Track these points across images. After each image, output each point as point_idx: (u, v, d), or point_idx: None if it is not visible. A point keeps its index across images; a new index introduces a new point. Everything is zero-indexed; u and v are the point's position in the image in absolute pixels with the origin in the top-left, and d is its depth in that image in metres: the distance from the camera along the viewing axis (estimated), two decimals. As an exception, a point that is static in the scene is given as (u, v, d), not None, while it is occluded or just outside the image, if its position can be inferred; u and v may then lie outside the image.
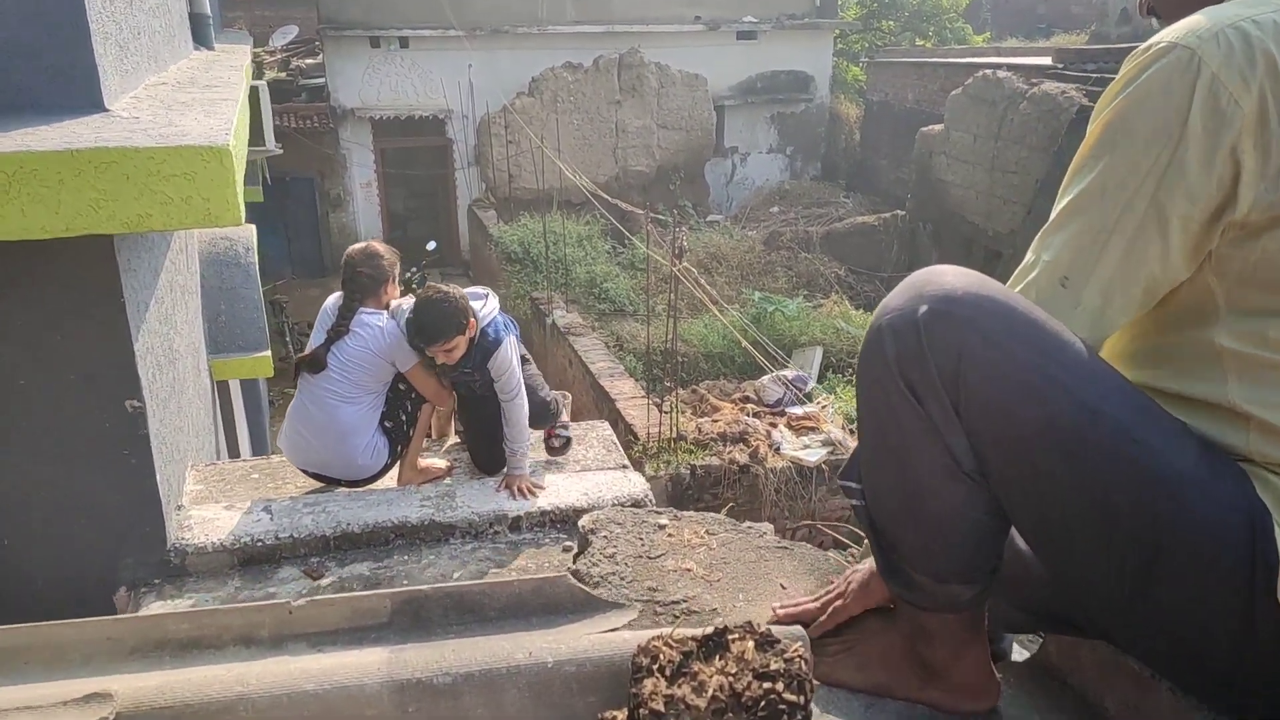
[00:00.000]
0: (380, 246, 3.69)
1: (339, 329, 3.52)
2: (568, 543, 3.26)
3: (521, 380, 3.52)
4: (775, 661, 1.04)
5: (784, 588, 2.88)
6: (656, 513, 3.25)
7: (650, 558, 2.96)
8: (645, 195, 14.83)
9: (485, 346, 3.46)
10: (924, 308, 1.03)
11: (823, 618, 1.31)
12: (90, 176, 2.15)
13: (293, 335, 11.97)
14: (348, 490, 3.49)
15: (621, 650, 1.14)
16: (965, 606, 1.11)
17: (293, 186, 15.56)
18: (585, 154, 15.15)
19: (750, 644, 1.04)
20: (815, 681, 1.04)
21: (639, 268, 11.05)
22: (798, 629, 1.17)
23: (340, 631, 1.17)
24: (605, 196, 10.35)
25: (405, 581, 3.04)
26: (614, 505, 3.34)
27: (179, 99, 3.26)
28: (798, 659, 1.04)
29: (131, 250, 2.86)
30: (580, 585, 1.25)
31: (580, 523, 3.11)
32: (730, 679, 1.01)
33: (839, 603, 1.32)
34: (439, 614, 1.20)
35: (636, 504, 3.40)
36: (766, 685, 1.01)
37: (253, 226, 5.84)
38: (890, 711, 1.19)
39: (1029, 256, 1.10)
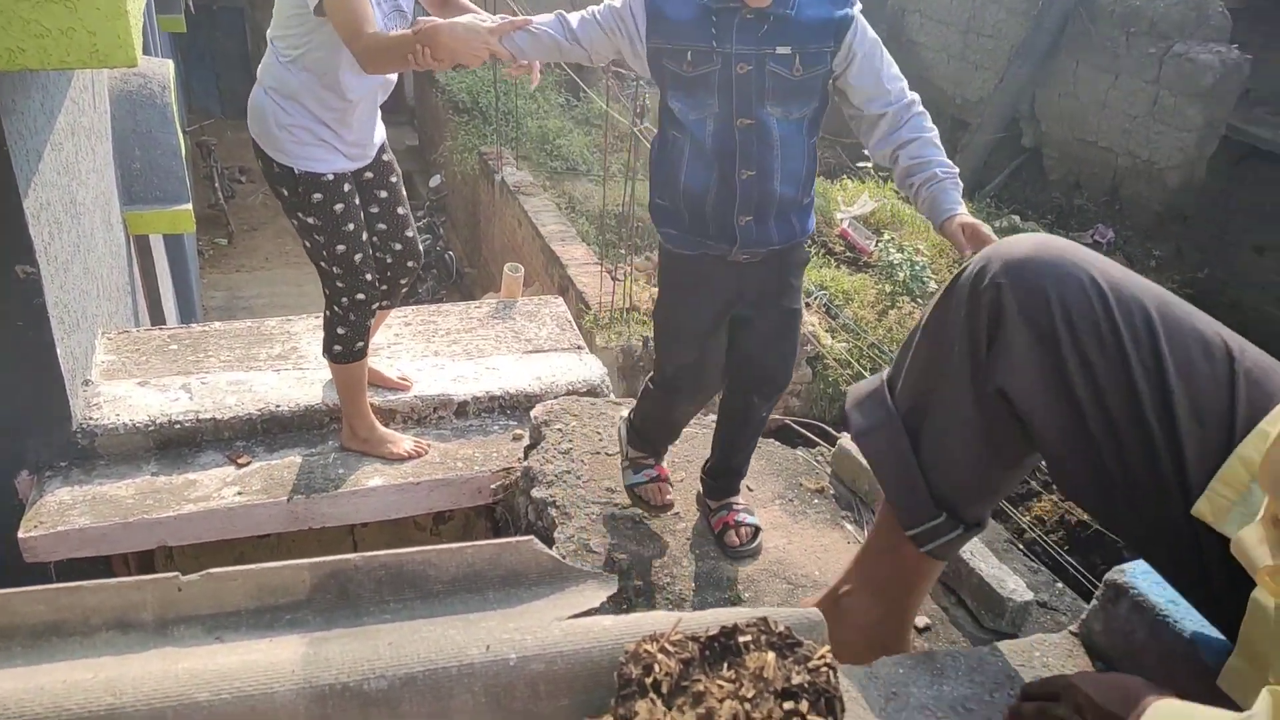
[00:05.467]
0: None
1: None
2: (518, 430, 3.05)
3: None
4: (798, 674, 0.83)
5: (750, 489, 2.72)
6: (615, 403, 3.04)
7: (609, 454, 2.76)
8: (602, 44, 13.96)
9: None
10: None
11: None
12: (-61, -4, 1.74)
13: (223, 181, 11.25)
14: (276, 370, 3.18)
15: (602, 642, 0.93)
16: None
17: (220, 17, 14.39)
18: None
19: (770, 654, 0.83)
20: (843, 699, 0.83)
21: (595, 124, 10.49)
22: (815, 614, 0.96)
23: (244, 613, 0.93)
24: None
25: (340, 471, 2.81)
26: (569, 393, 3.11)
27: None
28: (824, 669, 0.84)
29: (16, 89, 2.43)
30: (548, 552, 1.02)
31: (533, 413, 2.89)
32: (745, 705, 0.80)
33: None
34: (371, 589, 0.97)
35: (593, 391, 3.18)
36: (789, 707, 0.80)
37: (169, 62, 5.26)
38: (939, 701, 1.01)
39: None
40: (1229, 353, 0.92)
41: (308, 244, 2.58)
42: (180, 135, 4.97)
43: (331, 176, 2.49)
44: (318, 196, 2.49)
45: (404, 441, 2.90)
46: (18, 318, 2.52)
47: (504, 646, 0.90)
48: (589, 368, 3.32)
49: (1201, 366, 0.90)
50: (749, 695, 0.80)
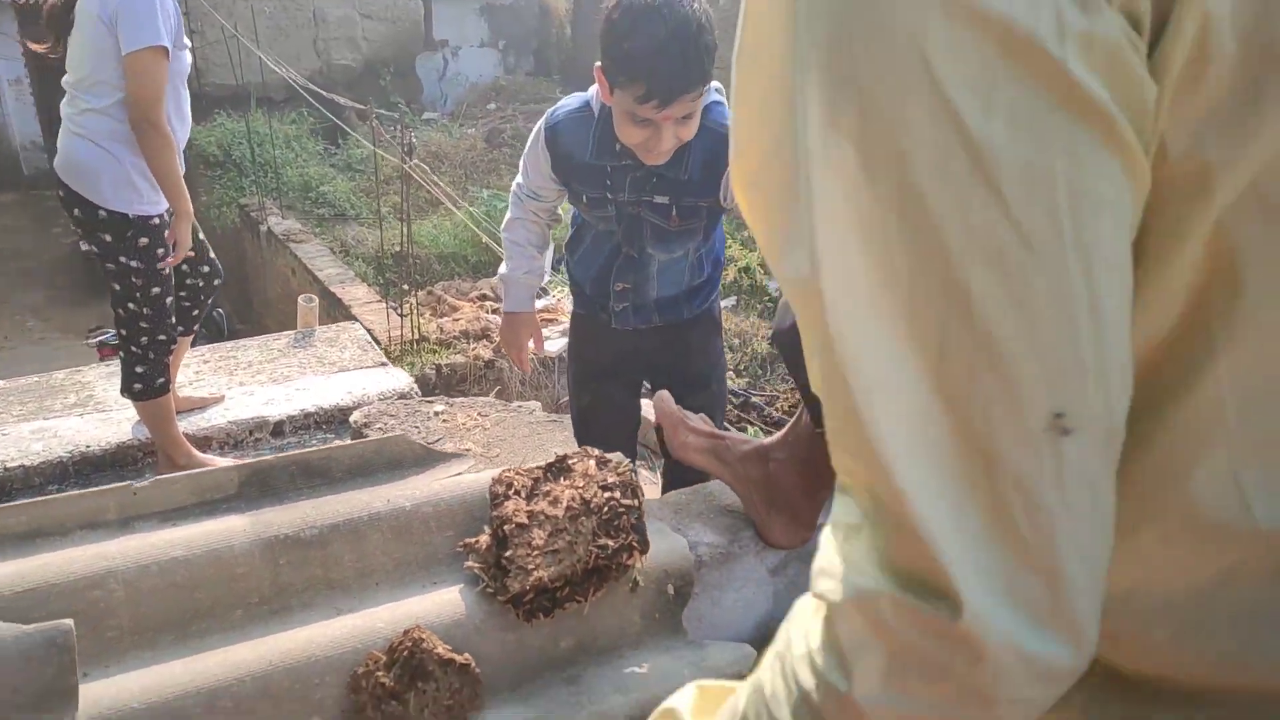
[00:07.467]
0: None
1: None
2: (337, 442, 3.25)
3: None
4: (611, 475, 1.22)
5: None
6: (428, 401, 3.32)
7: (429, 443, 3.05)
8: (353, 91, 14.02)
9: (714, 127, 1.85)
10: None
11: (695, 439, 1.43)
12: None
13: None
14: (79, 415, 3.21)
15: (471, 489, 1.27)
16: None
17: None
18: (282, 45, 13.94)
19: (591, 462, 1.21)
20: (642, 489, 1.23)
21: (356, 169, 10.54)
22: (619, 454, 1.35)
23: (189, 507, 1.19)
24: (320, 90, 9.73)
25: (167, 497, 2.91)
26: (380, 399, 3.35)
27: None
28: (627, 471, 1.23)
29: None
30: (419, 441, 1.35)
31: (352, 418, 3.12)
32: (579, 490, 1.17)
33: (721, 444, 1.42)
34: (286, 480, 1.26)
35: (404, 397, 3.44)
36: (608, 494, 1.19)
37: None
38: (704, 515, 1.42)
39: None
40: None
41: (118, 287, 2.69)
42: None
43: (157, 220, 2.64)
44: (144, 240, 2.63)
45: (222, 464, 3.04)
46: None
47: (400, 500, 1.23)
48: (396, 379, 3.58)
49: None
50: (580, 485, 1.18)
